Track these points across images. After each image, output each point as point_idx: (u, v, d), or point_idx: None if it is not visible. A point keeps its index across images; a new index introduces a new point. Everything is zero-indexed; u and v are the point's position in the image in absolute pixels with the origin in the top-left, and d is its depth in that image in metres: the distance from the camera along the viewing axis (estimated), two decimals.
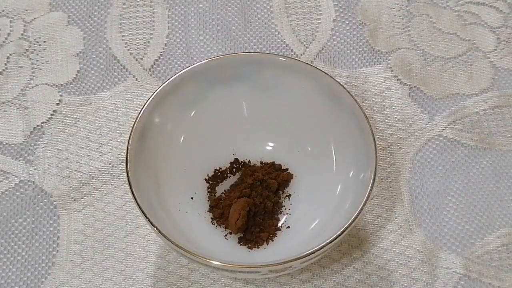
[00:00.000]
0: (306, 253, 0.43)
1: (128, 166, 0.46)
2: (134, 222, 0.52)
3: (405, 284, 0.49)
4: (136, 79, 0.58)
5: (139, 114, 0.48)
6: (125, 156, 0.47)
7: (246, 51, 0.59)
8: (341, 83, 0.50)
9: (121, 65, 0.59)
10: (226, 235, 0.49)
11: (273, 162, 0.52)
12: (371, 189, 0.45)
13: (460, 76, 0.57)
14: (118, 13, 0.61)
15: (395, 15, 0.61)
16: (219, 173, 0.52)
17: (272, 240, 0.49)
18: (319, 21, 0.61)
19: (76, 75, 0.58)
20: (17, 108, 0.57)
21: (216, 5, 0.62)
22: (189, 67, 0.51)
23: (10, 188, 0.53)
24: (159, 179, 0.49)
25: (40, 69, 0.58)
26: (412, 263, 0.49)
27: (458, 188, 0.53)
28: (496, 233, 0.51)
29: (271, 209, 0.50)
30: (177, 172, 0.51)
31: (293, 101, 0.52)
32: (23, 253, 0.51)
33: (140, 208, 0.45)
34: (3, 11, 0.62)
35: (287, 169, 0.52)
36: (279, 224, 0.50)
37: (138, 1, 0.62)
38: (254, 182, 0.50)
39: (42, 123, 0.56)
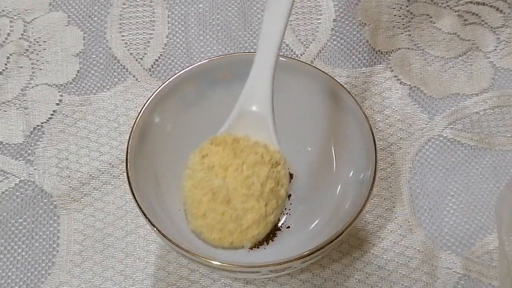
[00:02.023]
0: (306, 253, 0.43)
1: (128, 166, 0.46)
2: (134, 222, 0.52)
3: (405, 284, 0.49)
4: (136, 79, 0.58)
5: (139, 114, 0.48)
6: (125, 156, 0.47)
7: (246, 51, 0.59)
8: (341, 83, 0.50)
9: (121, 65, 0.59)
10: None
11: None
12: (371, 189, 0.45)
13: (460, 76, 0.57)
14: (118, 13, 0.61)
15: (395, 15, 0.61)
16: None
17: (272, 240, 0.49)
18: (319, 21, 0.61)
19: (76, 75, 0.58)
20: (17, 108, 0.57)
21: (216, 5, 0.62)
22: (189, 67, 0.51)
23: (10, 188, 0.53)
24: (159, 179, 0.49)
25: (40, 69, 0.58)
26: (412, 263, 0.49)
27: (458, 188, 0.53)
28: (496, 233, 0.50)
29: None
30: (177, 172, 0.50)
31: (293, 101, 0.52)
32: (23, 253, 0.51)
33: (140, 208, 0.45)
34: (3, 11, 0.62)
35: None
36: (279, 224, 0.50)
37: (138, 1, 0.62)
38: None
39: (42, 123, 0.56)
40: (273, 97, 0.41)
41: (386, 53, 0.59)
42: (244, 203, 0.39)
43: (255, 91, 0.42)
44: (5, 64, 0.59)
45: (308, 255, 0.43)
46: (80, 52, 0.59)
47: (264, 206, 0.39)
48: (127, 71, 0.58)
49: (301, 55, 0.59)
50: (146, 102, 0.49)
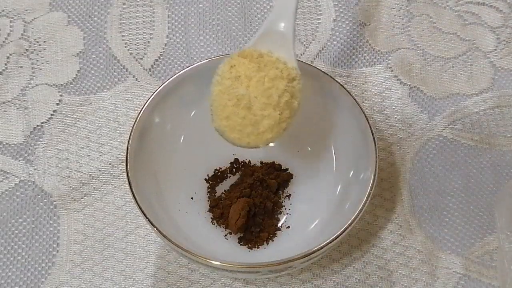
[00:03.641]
0: (306, 253, 0.43)
1: (128, 166, 0.46)
2: (134, 222, 0.52)
3: (405, 284, 0.49)
4: (136, 79, 0.58)
5: (139, 114, 0.48)
6: (125, 156, 0.47)
7: None
8: (341, 83, 0.50)
9: (121, 65, 0.59)
10: (226, 235, 0.49)
11: (273, 162, 0.52)
12: (371, 189, 0.45)
13: (460, 76, 0.57)
14: (118, 13, 0.61)
15: (395, 15, 0.61)
16: (219, 173, 0.52)
17: (272, 240, 0.49)
18: (319, 21, 0.61)
19: (76, 75, 0.58)
20: (17, 108, 0.57)
21: (216, 5, 0.62)
22: (189, 67, 0.51)
23: (10, 188, 0.53)
24: (159, 179, 0.49)
25: (40, 69, 0.58)
26: (412, 263, 0.49)
27: (458, 188, 0.53)
28: (496, 233, 0.50)
29: (271, 209, 0.50)
30: (177, 172, 0.51)
31: None
32: (23, 253, 0.51)
33: (140, 208, 0.45)
34: (3, 11, 0.62)
35: (287, 169, 0.52)
36: (279, 224, 0.50)
37: (138, 1, 0.62)
38: (254, 182, 0.50)
39: (42, 123, 0.56)
40: (295, 20, 0.47)
41: (386, 53, 0.59)
42: (262, 110, 0.44)
43: (282, 14, 0.47)
44: (5, 64, 0.59)
45: (308, 255, 0.43)
46: (80, 52, 0.59)
47: (279, 114, 0.44)
48: (127, 71, 0.58)
49: (301, 55, 0.59)
50: (146, 102, 0.49)
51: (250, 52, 0.46)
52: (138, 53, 0.59)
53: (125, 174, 0.46)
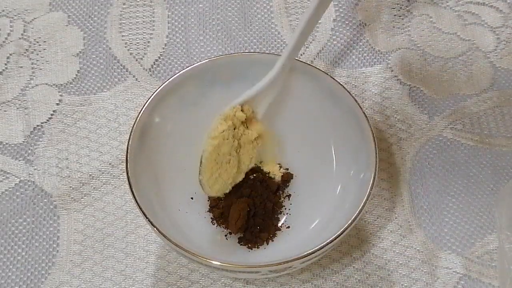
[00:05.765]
0: (306, 253, 0.43)
1: (128, 166, 0.46)
2: (134, 222, 0.52)
3: (405, 284, 0.49)
4: (136, 79, 0.58)
5: (139, 114, 0.48)
6: (125, 156, 0.47)
7: (246, 51, 0.59)
8: (341, 83, 0.50)
9: (121, 65, 0.59)
10: (226, 235, 0.49)
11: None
12: (371, 189, 0.45)
13: (460, 76, 0.57)
14: (118, 13, 0.61)
15: (395, 15, 0.61)
16: None
17: (272, 240, 0.49)
18: (319, 21, 0.61)
19: (76, 75, 0.58)
20: (17, 108, 0.57)
21: (216, 5, 0.62)
22: (189, 67, 0.51)
23: (10, 188, 0.53)
24: (159, 179, 0.49)
25: (40, 69, 0.58)
26: (412, 263, 0.49)
27: (458, 188, 0.53)
28: (496, 233, 0.50)
29: (271, 209, 0.50)
30: (177, 172, 0.51)
31: (293, 101, 0.52)
32: (23, 253, 0.51)
33: (140, 208, 0.45)
34: (3, 11, 0.62)
35: (287, 169, 0.52)
36: (279, 224, 0.50)
37: (138, 1, 0.62)
38: (254, 182, 0.50)
39: (42, 123, 0.56)
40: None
41: (386, 53, 0.59)
42: (234, 172, 0.50)
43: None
44: (5, 64, 0.59)
45: (308, 255, 0.43)
46: (80, 52, 0.59)
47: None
48: (127, 71, 0.58)
49: (301, 55, 0.59)
50: (146, 102, 0.49)
51: (250, 134, 0.50)
52: (138, 53, 0.59)
53: (125, 174, 0.46)
